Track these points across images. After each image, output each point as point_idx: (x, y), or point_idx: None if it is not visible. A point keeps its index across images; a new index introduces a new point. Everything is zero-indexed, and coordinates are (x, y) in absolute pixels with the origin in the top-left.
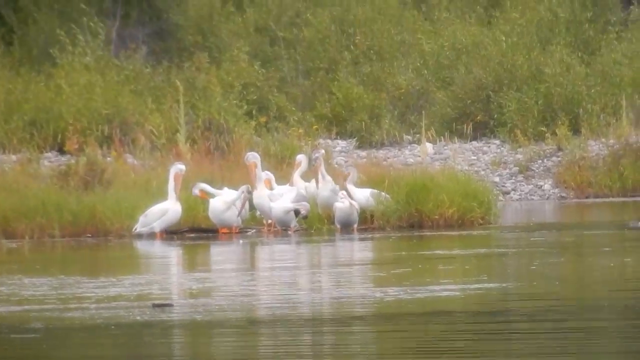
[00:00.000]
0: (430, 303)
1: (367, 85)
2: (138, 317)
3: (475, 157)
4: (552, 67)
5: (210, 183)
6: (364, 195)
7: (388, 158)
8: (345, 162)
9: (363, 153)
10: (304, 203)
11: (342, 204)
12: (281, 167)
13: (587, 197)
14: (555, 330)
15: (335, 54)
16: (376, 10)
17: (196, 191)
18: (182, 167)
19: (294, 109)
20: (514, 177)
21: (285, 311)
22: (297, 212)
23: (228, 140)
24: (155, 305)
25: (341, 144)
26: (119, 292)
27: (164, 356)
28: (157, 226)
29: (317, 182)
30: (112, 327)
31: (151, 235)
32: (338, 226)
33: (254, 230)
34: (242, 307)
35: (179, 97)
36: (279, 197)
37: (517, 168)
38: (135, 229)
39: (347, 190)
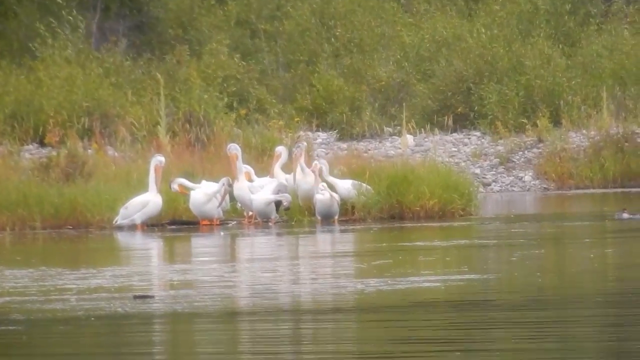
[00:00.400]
0: (411, 294)
1: (347, 77)
2: (119, 309)
3: (455, 149)
4: (533, 59)
5: (191, 175)
6: (345, 187)
7: (369, 150)
8: (326, 154)
9: (344, 145)
10: (285, 195)
11: (322, 196)
12: (262, 159)
13: (568, 189)
14: (535, 321)
15: (315, 47)
16: (356, 2)
17: (175, 186)
18: (162, 158)
19: (274, 101)
20: (494, 169)
21: (265, 302)
22: (278, 204)
23: (208, 133)
24: (136, 297)
25: (322, 136)
26: (100, 284)
27: (145, 347)
28: (138, 218)
29: (294, 174)
30: (93, 318)
31: (132, 227)
32: (319, 218)
33: (235, 222)
34: (223, 299)
35: (159, 90)
36: (260, 189)
37: (498, 160)
38: (116, 221)
39: (327, 183)
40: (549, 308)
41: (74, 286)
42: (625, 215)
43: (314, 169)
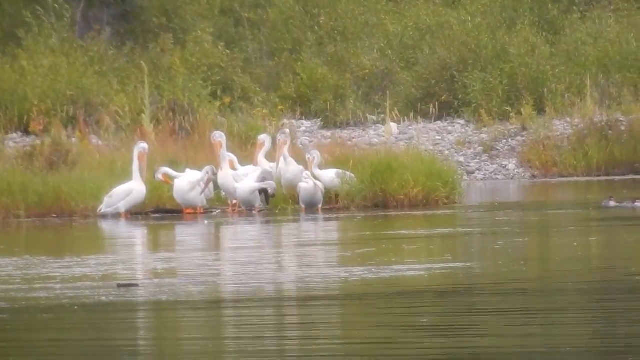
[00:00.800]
0: (395, 282)
1: (331, 65)
2: (103, 297)
3: (439, 137)
4: (517, 47)
5: (175, 164)
6: (328, 176)
7: (353, 138)
8: (310, 142)
9: (327, 133)
10: (270, 182)
11: (306, 184)
12: (245, 147)
13: (552, 177)
14: (519, 309)
15: (299, 35)
16: None
17: (159, 176)
18: (145, 145)
19: (258, 89)
20: (478, 157)
21: (250, 291)
22: (262, 191)
23: (192, 121)
24: (120, 285)
25: (306, 124)
26: (84, 272)
27: (129, 335)
28: (122, 206)
29: (277, 162)
30: (76, 307)
31: (116, 216)
32: (303, 206)
33: (219, 211)
34: (207, 287)
35: (143, 78)
36: (244, 178)
37: (482, 148)
38: (100, 210)
39: (312, 172)
40: (533, 296)
41: (58, 275)
42: (612, 204)
43: (308, 161)
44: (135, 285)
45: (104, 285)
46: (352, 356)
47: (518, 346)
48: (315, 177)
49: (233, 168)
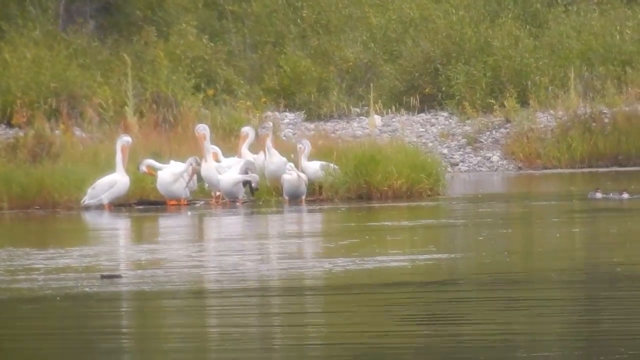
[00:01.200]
0: (378, 273)
1: (315, 58)
2: (86, 289)
3: (423, 130)
4: (500, 40)
5: (158, 156)
6: (313, 168)
7: (336, 130)
8: (295, 134)
9: (311, 125)
10: (253, 175)
11: (290, 176)
12: (229, 139)
13: (536, 169)
14: (503, 300)
15: (282, 28)
16: None
17: (143, 167)
18: (128, 139)
19: (242, 82)
20: (462, 149)
21: (233, 282)
22: (246, 183)
23: (176, 113)
24: (103, 277)
25: (289, 116)
26: (68, 264)
27: (112, 326)
28: (105, 198)
29: (265, 154)
30: (58, 298)
31: (99, 207)
32: (286, 198)
33: (202, 202)
34: (190, 278)
35: (127, 71)
36: (227, 169)
37: (466, 140)
38: (84, 201)
39: (299, 164)
40: (516, 287)
41: (41, 266)
42: (599, 195)
43: (299, 150)
44: (119, 276)
45: (87, 277)
46: (335, 345)
47: (501, 334)
48: (302, 168)
49: (217, 160)
